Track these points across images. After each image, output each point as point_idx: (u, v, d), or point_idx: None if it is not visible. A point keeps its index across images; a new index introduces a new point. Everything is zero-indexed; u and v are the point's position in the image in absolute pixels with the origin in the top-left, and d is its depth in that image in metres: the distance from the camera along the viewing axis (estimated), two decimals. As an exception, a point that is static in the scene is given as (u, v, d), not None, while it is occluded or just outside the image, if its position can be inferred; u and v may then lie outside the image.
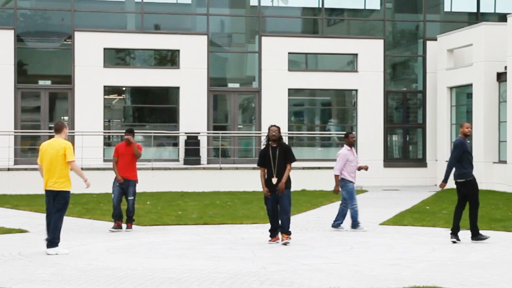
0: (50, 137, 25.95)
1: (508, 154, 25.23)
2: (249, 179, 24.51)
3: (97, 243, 13.47)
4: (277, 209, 13.39)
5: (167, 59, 29.35)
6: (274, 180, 13.27)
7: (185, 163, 26.98)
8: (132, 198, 15.35)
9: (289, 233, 13.33)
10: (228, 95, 29.43)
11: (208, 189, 24.98)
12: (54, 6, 28.51)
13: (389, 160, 30.12)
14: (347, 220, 15.50)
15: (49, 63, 28.57)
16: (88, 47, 27.75)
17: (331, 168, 26.04)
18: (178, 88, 28.31)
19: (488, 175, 25.79)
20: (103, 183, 21.70)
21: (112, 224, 15.67)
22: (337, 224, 15.44)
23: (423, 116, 30.46)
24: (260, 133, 28.34)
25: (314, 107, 31.00)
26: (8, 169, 24.36)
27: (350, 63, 30.19)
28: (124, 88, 29.10)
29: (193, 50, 28.52)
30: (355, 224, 15.35)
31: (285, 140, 26.04)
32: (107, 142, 28.43)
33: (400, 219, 17.27)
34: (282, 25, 30.34)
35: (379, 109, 29.87)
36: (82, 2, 28.38)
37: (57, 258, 11.54)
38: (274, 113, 28.51)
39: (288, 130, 28.88)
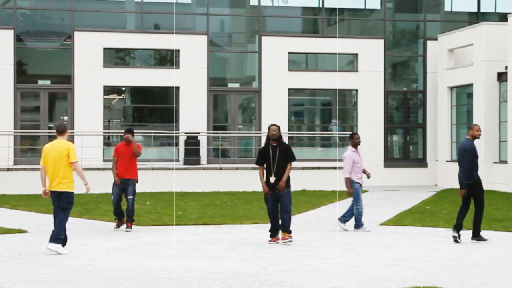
0: (50, 137, 26.14)
1: (508, 154, 25.20)
2: (249, 179, 24.48)
3: (97, 243, 13.45)
4: (277, 208, 13.40)
5: (167, 59, 29.33)
6: (273, 179, 13.29)
7: (185, 163, 26.95)
8: (131, 197, 15.38)
9: (290, 232, 13.34)
10: (228, 95, 29.41)
11: (208, 189, 24.95)
12: (54, 5, 28.49)
13: (390, 160, 30.11)
14: (351, 221, 15.50)
15: (48, 63, 28.55)
16: (88, 47, 27.73)
17: (332, 168, 26.30)
18: (178, 88, 28.28)
19: (489, 175, 25.75)
20: (103, 183, 21.68)
21: (113, 224, 15.84)
22: (343, 220, 15.41)
23: (424, 116, 30.44)
24: (260, 133, 28.32)
25: (314, 107, 30.98)
26: (8, 169, 24.34)
27: (350, 63, 30.17)
28: (123, 88, 29.08)
29: (193, 50, 28.49)
30: (358, 225, 15.34)
31: (285, 140, 26.03)
32: (107, 142, 28.41)
33: (400, 219, 17.25)
34: (282, 25, 30.32)
35: (379, 109, 29.85)
36: (81, 2, 28.35)
37: (57, 259, 11.52)
38: (274, 113, 28.49)
39: (288, 130, 28.85)
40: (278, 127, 13.50)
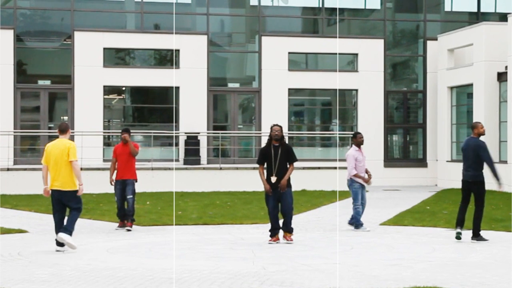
0: (50, 137, 26.13)
1: (508, 154, 25.20)
2: (249, 179, 24.48)
3: (97, 243, 13.45)
4: (277, 209, 13.43)
5: (167, 59, 29.32)
6: (274, 179, 13.32)
7: (185, 163, 26.94)
8: (131, 197, 15.44)
9: (291, 231, 13.45)
10: (228, 95, 29.41)
11: (208, 189, 24.95)
12: (54, 5, 28.49)
13: (390, 160, 30.10)
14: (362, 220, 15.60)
15: (48, 63, 28.55)
16: (88, 47, 27.72)
17: (332, 168, 26.28)
18: (178, 88, 28.27)
19: (489, 175, 25.70)
20: (103, 183, 21.63)
21: (113, 224, 15.92)
22: (353, 222, 15.45)
23: (424, 116, 30.43)
24: (260, 133, 28.32)
25: (314, 107, 30.98)
26: (8, 169, 24.33)
27: (350, 63, 30.16)
28: (123, 88, 29.08)
29: (193, 50, 28.49)
30: (358, 225, 15.35)
31: (286, 140, 25.98)
32: (107, 142, 28.40)
33: (400, 219, 17.24)
34: (282, 25, 30.32)
35: (380, 109, 29.85)
36: (81, 2, 28.35)
37: (57, 258, 11.53)
38: (274, 113, 28.48)
39: (288, 130, 28.84)
40: (281, 127, 13.57)
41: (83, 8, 28.26)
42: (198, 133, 27.68)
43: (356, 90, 29.76)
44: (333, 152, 29.23)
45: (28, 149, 27.93)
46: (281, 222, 13.56)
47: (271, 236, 13.46)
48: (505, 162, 25.49)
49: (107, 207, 19.08)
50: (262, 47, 29.03)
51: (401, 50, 31.32)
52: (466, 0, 31.48)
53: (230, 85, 29.54)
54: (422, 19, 30.67)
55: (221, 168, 25.93)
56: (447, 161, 28.37)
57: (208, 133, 28.17)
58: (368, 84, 29.67)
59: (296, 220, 16.41)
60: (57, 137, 12.75)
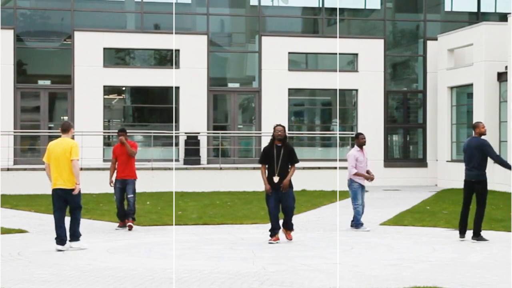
0: (50, 137, 26.13)
1: (508, 154, 25.20)
2: (249, 179, 24.47)
3: (97, 243, 13.44)
4: (278, 208, 13.46)
5: (167, 59, 29.32)
6: (276, 179, 13.35)
7: (185, 163, 26.94)
8: (132, 196, 15.49)
9: (292, 228, 13.60)
10: (228, 95, 29.41)
11: (208, 189, 24.95)
12: (54, 5, 28.49)
13: (390, 160, 30.10)
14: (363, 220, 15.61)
15: (48, 63, 28.55)
16: (88, 47, 27.72)
17: (332, 168, 26.27)
18: (178, 88, 28.26)
19: (489, 175, 25.53)
20: (103, 183, 21.63)
21: (113, 224, 15.93)
22: (356, 224, 15.45)
23: (424, 116, 30.43)
24: (260, 133, 28.32)
25: (314, 107, 30.97)
26: (8, 169, 24.33)
27: (350, 63, 30.16)
28: (124, 88, 29.08)
29: (193, 50, 28.49)
30: (357, 224, 15.34)
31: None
32: (107, 142, 28.40)
33: (400, 219, 17.24)
34: (282, 25, 30.31)
35: (380, 109, 29.84)
36: (81, 1, 28.35)
37: (57, 258, 11.53)
38: (274, 113, 28.48)
39: (288, 130, 28.80)
40: (284, 127, 13.60)
41: (83, 8, 28.26)
42: (198, 133, 27.68)
43: (356, 90, 29.76)
44: (333, 152, 29.23)
45: (28, 149, 27.92)
46: (281, 221, 13.61)
47: (271, 235, 13.47)
48: (505, 162, 25.47)
49: (107, 207, 19.09)
50: (262, 47, 29.03)
51: (401, 50, 31.32)
52: (466, 0, 31.48)
53: (230, 85, 29.54)
54: (422, 19, 30.67)
55: (221, 168, 25.93)
56: (447, 161, 28.36)
57: (208, 133, 28.17)
58: (368, 84, 29.66)
59: (296, 220, 16.39)
60: (57, 137, 12.81)
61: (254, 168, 25.54)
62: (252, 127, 29.58)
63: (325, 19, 29.96)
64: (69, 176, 12.45)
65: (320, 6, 29.93)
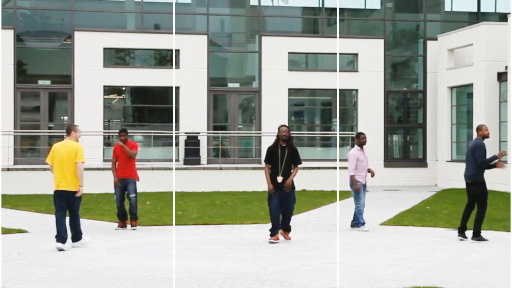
0: (50, 137, 26.12)
1: (508, 154, 25.19)
2: (249, 179, 24.47)
3: (97, 243, 13.45)
4: (279, 208, 13.46)
5: (167, 59, 29.31)
6: (280, 179, 13.40)
7: (185, 163, 26.94)
8: (133, 195, 15.50)
9: (290, 229, 13.63)
10: (228, 95, 29.41)
11: (208, 189, 24.95)
12: (54, 5, 28.48)
13: (390, 160, 30.10)
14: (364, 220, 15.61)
15: (48, 63, 28.55)
16: (88, 47, 27.72)
17: (332, 168, 26.28)
18: (178, 88, 28.26)
19: (489, 175, 25.68)
20: (103, 183, 21.70)
21: (113, 224, 15.92)
22: (356, 223, 15.45)
23: (424, 116, 30.43)
24: (260, 133, 28.32)
25: (314, 107, 30.97)
26: (8, 169, 24.33)
27: (350, 63, 30.16)
28: (124, 88, 29.07)
29: (193, 50, 28.49)
30: (358, 223, 15.35)
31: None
32: (107, 142, 28.40)
33: (400, 219, 17.24)
34: (282, 25, 30.31)
35: (380, 109, 29.84)
36: (82, 1, 28.35)
37: (57, 258, 11.53)
38: (274, 113, 28.48)
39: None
40: (288, 128, 13.67)
41: (83, 8, 28.26)
42: (198, 133, 27.68)
43: (356, 90, 29.75)
44: (333, 152, 29.24)
45: (28, 149, 27.91)
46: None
47: (271, 235, 13.47)
48: (505, 162, 25.48)
49: (107, 207, 19.09)
50: (262, 47, 29.03)
51: (401, 50, 31.32)
52: (466, 0, 31.48)
53: (230, 85, 29.54)
54: (422, 19, 30.67)
55: (221, 168, 25.93)
56: (447, 161, 28.36)
57: (208, 133, 28.16)
58: (368, 84, 29.66)
59: (296, 220, 16.42)
60: (57, 137, 12.87)
61: (254, 168, 25.55)
62: (252, 127, 29.57)
63: (325, 19, 29.96)
64: (73, 178, 12.52)
65: (320, 6, 29.93)
